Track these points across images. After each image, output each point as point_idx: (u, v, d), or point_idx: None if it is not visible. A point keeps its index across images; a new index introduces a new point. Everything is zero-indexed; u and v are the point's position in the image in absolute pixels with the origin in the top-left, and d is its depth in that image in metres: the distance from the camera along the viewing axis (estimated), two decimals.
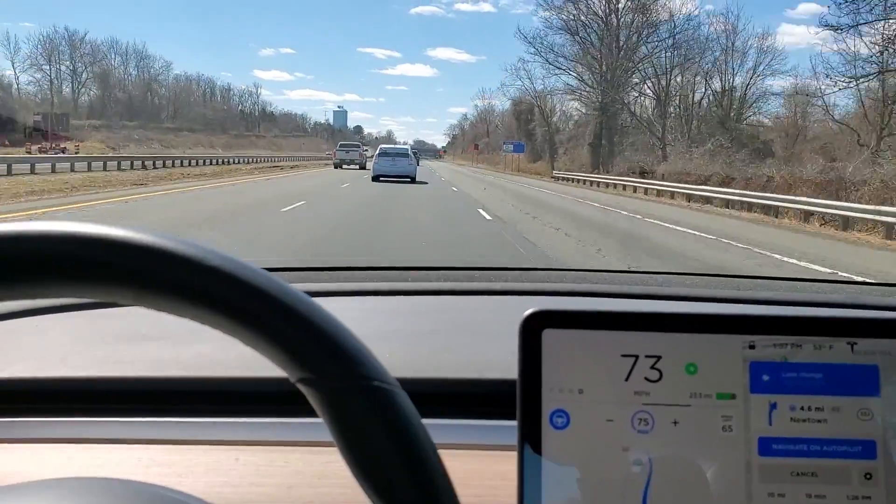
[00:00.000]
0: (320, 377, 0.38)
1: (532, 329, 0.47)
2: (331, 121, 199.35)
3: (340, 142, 41.42)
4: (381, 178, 27.87)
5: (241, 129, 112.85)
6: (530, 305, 0.48)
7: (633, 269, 5.63)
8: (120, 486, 0.53)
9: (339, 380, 0.38)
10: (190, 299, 0.38)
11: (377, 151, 30.72)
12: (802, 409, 0.47)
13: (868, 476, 0.46)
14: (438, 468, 0.40)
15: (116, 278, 0.37)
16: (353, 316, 1.01)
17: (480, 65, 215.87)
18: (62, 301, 1.04)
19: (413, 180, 28.49)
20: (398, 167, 28.71)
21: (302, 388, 0.39)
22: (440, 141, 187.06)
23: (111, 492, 0.50)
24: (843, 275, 8.30)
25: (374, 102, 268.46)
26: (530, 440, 0.47)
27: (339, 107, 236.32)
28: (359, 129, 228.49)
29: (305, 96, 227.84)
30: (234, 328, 0.38)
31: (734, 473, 0.46)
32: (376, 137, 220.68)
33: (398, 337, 0.94)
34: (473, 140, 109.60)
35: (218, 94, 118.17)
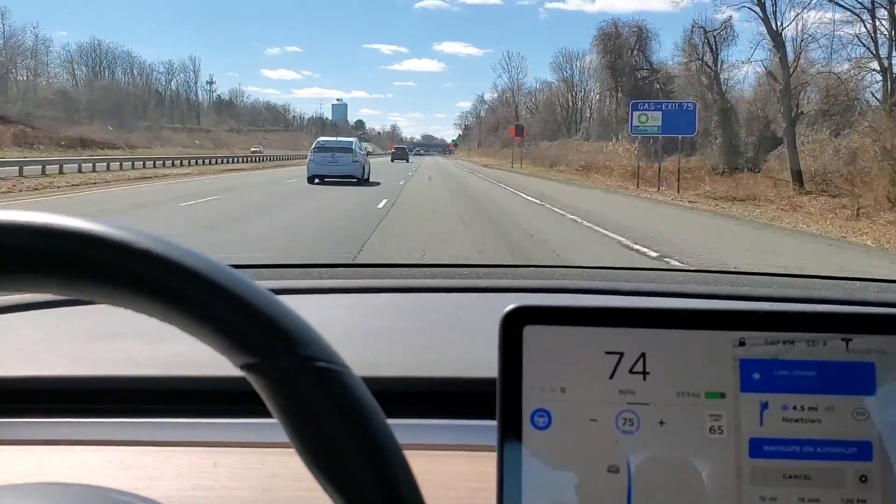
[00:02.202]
0: (262, 360, 0.36)
1: (513, 326, 0.46)
2: (328, 115, 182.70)
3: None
4: (326, 181, 22.20)
5: (165, 118, 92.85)
6: (515, 302, 0.46)
7: (623, 266, 4.51)
8: (82, 492, 0.51)
9: (281, 362, 0.36)
10: (120, 284, 0.35)
11: (313, 145, 24.39)
12: (795, 408, 0.45)
13: (863, 478, 0.44)
14: (393, 449, 0.38)
15: (39, 266, 0.35)
16: (336, 314, 1.01)
17: (488, 58, 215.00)
18: (30, 298, 1.03)
19: (361, 180, 22.94)
20: (340, 166, 22.68)
21: (246, 374, 0.37)
22: (450, 135, 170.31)
23: (71, 498, 0.48)
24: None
25: (381, 99, 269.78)
26: (510, 440, 0.45)
27: (338, 99, 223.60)
28: (360, 123, 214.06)
29: (314, 94, 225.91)
30: (170, 313, 0.36)
31: (724, 476, 0.44)
32: (379, 133, 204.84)
33: (380, 335, 0.93)
34: (496, 128, 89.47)
35: (126, 70, 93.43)
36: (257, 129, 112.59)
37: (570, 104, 71.48)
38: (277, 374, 0.36)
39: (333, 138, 28.23)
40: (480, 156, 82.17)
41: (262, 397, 0.37)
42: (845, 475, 0.44)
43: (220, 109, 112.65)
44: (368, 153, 35.93)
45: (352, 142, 24.96)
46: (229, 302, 0.36)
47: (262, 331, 0.36)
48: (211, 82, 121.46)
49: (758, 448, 0.45)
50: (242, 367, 0.37)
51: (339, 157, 22.76)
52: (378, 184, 22.87)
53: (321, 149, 23.30)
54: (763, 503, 0.44)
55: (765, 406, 0.45)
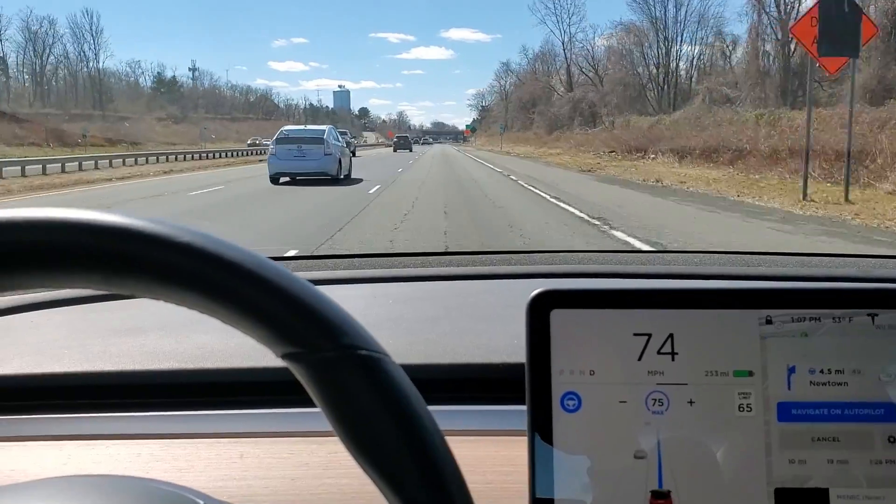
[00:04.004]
0: (304, 350, 0.37)
1: (540, 310, 0.46)
2: (325, 102, 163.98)
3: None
4: (299, 180, 17.85)
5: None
6: (538, 287, 0.46)
7: (641, 249, 4.77)
8: (119, 482, 0.51)
9: (323, 351, 0.37)
10: (162, 278, 0.36)
11: (275, 136, 18.91)
12: (822, 372, 0.45)
13: (892, 439, 0.44)
14: (436, 434, 0.38)
15: (83, 262, 0.35)
16: (359, 304, 1.02)
17: (496, 43, 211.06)
18: (56, 295, 1.04)
19: (337, 178, 18.09)
20: (308, 160, 17.73)
21: (288, 364, 0.37)
22: (462, 123, 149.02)
23: (109, 488, 0.49)
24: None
25: (391, 88, 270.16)
26: (541, 424, 0.45)
27: (340, 86, 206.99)
28: (364, 111, 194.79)
29: (323, 86, 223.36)
30: (211, 306, 0.37)
31: (753, 453, 0.45)
32: (385, 121, 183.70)
33: (401, 323, 0.93)
34: (531, 104, 66.16)
35: None
36: (212, 116, 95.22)
37: (661, 61, 49.00)
38: (320, 363, 0.37)
39: (301, 127, 21.79)
40: (512, 143, 59.35)
41: (305, 387, 0.37)
42: (874, 436, 0.44)
43: (162, 88, 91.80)
44: (347, 144, 26.37)
45: (323, 130, 18.96)
46: (271, 293, 0.36)
47: (304, 320, 0.37)
48: (193, 69, 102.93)
49: (786, 412, 0.45)
50: (284, 356, 0.37)
51: (308, 149, 17.84)
52: (359, 181, 18.19)
53: (285, 140, 18.28)
54: (793, 466, 0.44)
55: (792, 370, 0.45)
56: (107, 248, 0.35)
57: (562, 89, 63.13)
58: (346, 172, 19.24)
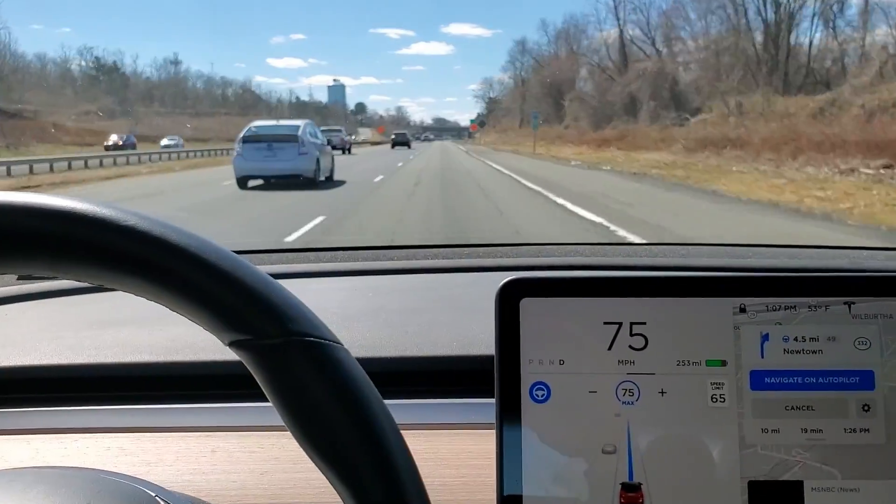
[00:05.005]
0: (250, 336, 0.35)
1: (509, 298, 0.45)
2: (318, 97, 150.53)
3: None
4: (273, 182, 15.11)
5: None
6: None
7: (629, 242, 4.68)
8: (70, 473, 0.50)
9: (269, 337, 0.35)
10: (107, 262, 0.35)
11: (242, 132, 16.07)
12: (796, 339, 0.44)
13: (866, 407, 0.44)
14: (387, 422, 0.37)
15: (27, 246, 0.35)
16: (340, 296, 1.02)
17: (497, 38, 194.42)
18: (28, 289, 1.04)
19: (315, 181, 15.22)
20: (280, 161, 14.99)
21: (236, 352, 0.36)
22: (463, 119, 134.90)
23: (59, 480, 0.48)
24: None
25: (391, 84, 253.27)
26: (510, 415, 0.45)
27: (335, 80, 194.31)
28: (361, 106, 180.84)
29: (323, 82, 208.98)
30: (155, 290, 0.36)
31: (726, 444, 0.44)
32: (382, 117, 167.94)
33: (380, 316, 0.92)
34: (550, 94, 50.97)
35: None
36: (211, 112, 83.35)
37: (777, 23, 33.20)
38: (266, 350, 0.35)
39: (273, 122, 18.51)
40: (545, 142, 43.86)
41: (253, 375, 0.36)
42: (848, 405, 0.44)
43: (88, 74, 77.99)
44: (343, 141, 26.90)
45: (298, 126, 16.13)
46: (215, 277, 0.35)
47: (249, 306, 0.35)
48: (175, 62, 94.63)
49: (759, 381, 0.44)
50: (231, 344, 0.36)
51: (280, 148, 15.04)
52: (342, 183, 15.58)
53: (253, 138, 15.41)
54: (765, 435, 0.44)
55: (765, 338, 0.44)
56: (51, 231, 0.34)
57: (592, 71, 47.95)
58: (328, 174, 16.23)
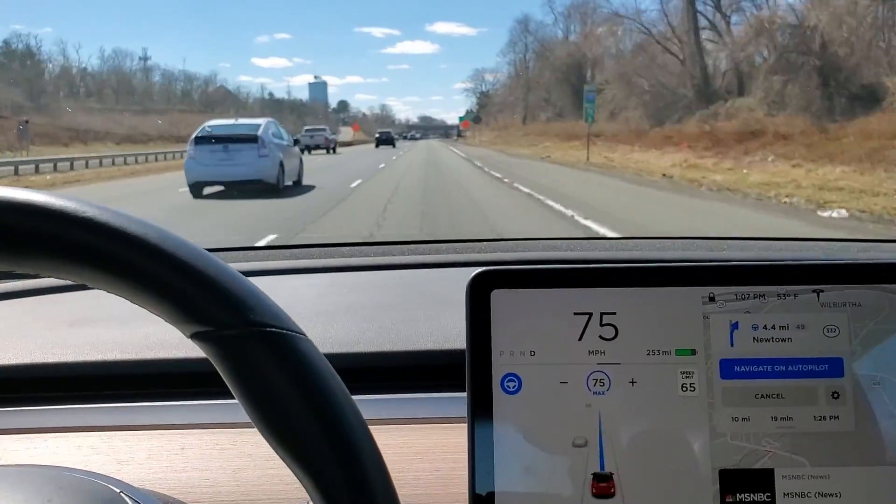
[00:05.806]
0: (211, 327, 0.35)
1: (480, 290, 0.45)
2: (297, 95, 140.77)
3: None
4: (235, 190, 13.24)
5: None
6: None
7: (606, 236, 4.89)
8: (33, 472, 0.49)
9: (230, 328, 0.35)
10: (66, 254, 0.34)
11: (195, 133, 14.19)
12: (766, 328, 0.45)
13: (835, 395, 0.44)
14: (351, 413, 0.36)
15: None
16: (308, 293, 1.01)
17: (482, 37, 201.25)
18: (3, 288, 1.03)
19: (278, 187, 13.43)
20: (237, 165, 13.21)
21: (198, 344, 0.36)
22: (449, 118, 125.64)
23: (22, 477, 0.47)
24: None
25: (376, 83, 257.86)
26: (481, 407, 0.45)
27: (315, 77, 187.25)
28: (343, 105, 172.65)
29: (309, 81, 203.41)
30: (115, 283, 0.35)
31: (697, 433, 0.44)
32: (365, 115, 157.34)
33: (353, 312, 0.92)
34: (562, 82, 39.18)
35: None
36: (162, 109, 73.98)
37: None
38: (228, 341, 0.35)
39: (230, 121, 16.08)
40: (545, 138, 32.98)
41: (216, 368, 0.36)
42: (817, 392, 0.44)
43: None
44: (328, 141, 28.39)
45: (258, 125, 14.36)
46: (173, 267, 0.35)
47: (210, 296, 0.35)
48: (145, 58, 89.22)
49: (729, 369, 0.44)
50: (193, 336, 0.36)
51: (237, 150, 13.30)
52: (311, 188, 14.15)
53: (207, 138, 13.53)
54: (735, 424, 0.44)
55: (735, 326, 0.44)
56: (10, 224, 0.34)
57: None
58: (295, 178, 14.54)
